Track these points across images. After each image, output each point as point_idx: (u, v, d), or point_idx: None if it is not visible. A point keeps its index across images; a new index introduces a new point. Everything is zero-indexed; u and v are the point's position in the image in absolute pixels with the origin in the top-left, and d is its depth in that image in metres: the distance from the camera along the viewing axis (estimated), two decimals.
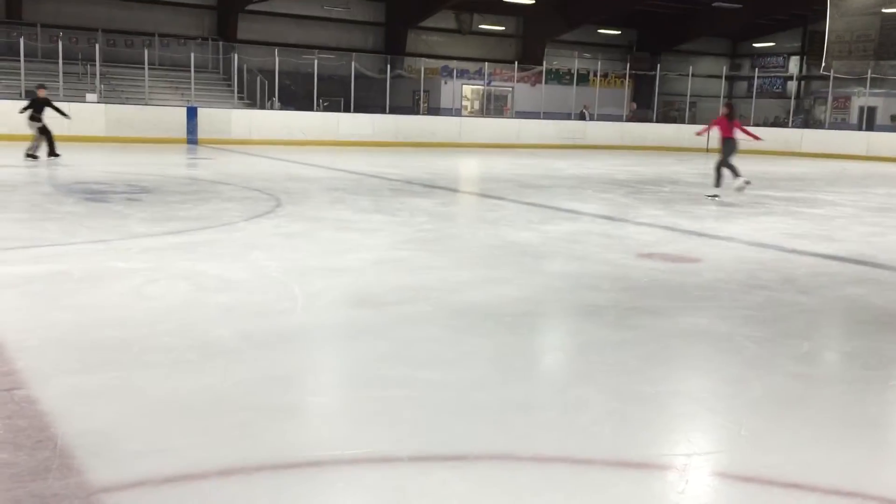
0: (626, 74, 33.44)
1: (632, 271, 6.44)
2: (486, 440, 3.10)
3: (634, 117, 32.28)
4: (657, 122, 31.02)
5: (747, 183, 12.25)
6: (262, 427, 3.14)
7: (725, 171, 12.30)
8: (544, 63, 32.35)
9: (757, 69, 37.31)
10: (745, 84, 39.01)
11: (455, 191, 13.59)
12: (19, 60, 22.30)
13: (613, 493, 2.74)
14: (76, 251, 6.60)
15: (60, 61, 22.47)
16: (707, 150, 29.63)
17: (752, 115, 32.68)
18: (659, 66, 32.12)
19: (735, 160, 12.38)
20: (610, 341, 4.50)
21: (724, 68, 35.28)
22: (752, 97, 33.47)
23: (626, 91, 33.28)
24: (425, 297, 5.32)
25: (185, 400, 3.39)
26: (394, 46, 33.37)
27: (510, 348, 4.35)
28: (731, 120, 12.40)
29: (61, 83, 22.54)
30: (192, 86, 24.76)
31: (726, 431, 3.33)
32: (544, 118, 29.31)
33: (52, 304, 4.87)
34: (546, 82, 31.34)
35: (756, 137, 12.65)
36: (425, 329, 4.60)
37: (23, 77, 22.37)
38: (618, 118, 31.53)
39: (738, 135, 12.42)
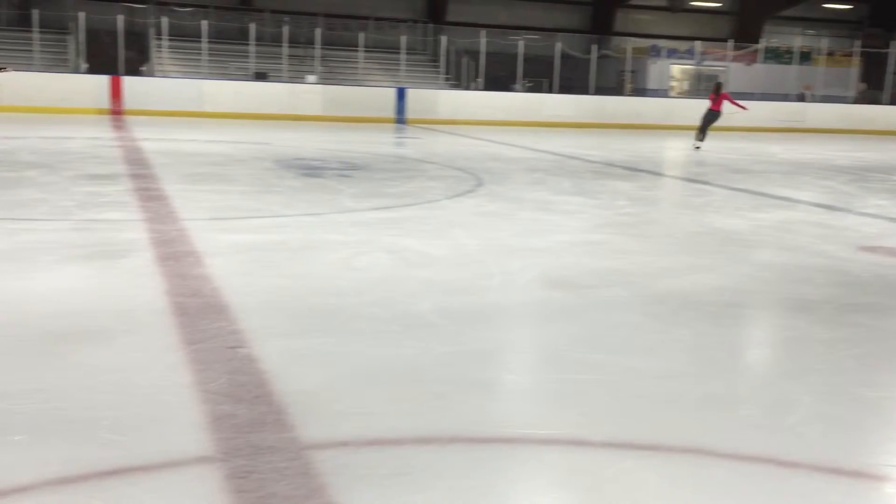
0: (852, 52, 30.80)
1: (851, 265, 5.97)
2: (681, 432, 3.01)
3: (863, 99, 29.67)
4: (888, 104, 28.33)
5: (697, 148, 16.72)
6: (458, 400, 3.23)
7: (706, 131, 17.01)
8: (761, 41, 30.50)
9: None
10: None
11: (659, 174, 13.19)
12: (249, 44, 24.18)
13: (821, 500, 2.57)
14: (294, 223, 7.08)
15: (285, 45, 24.10)
16: None
17: None
18: (894, 42, 29.27)
19: (708, 129, 16.89)
20: (823, 339, 4.21)
21: None
22: None
23: (855, 70, 30.63)
24: (623, 282, 5.23)
25: (387, 368, 3.56)
26: (600, 26, 32.77)
27: (711, 339, 4.18)
28: (716, 95, 17.06)
29: (285, 65, 24.20)
30: (403, 67, 25.66)
31: None
32: (759, 99, 27.67)
33: (271, 271, 5.27)
34: (763, 61, 29.56)
35: (742, 107, 17.61)
36: (622, 314, 4.53)
37: (253, 60, 24.25)
38: (842, 100, 29.13)
39: (727, 107, 16.97)
